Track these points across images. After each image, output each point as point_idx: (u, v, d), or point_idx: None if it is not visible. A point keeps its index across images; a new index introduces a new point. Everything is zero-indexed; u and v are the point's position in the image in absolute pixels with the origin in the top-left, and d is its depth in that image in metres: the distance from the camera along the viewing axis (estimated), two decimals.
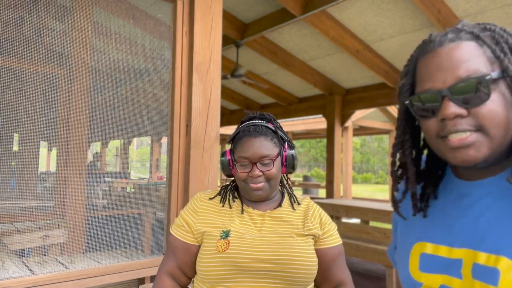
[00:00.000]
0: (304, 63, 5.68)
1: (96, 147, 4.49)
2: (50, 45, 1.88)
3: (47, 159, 2.46)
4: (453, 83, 0.63)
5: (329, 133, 6.26)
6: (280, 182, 1.28)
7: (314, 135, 11.85)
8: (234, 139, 1.22)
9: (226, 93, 7.56)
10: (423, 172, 0.76)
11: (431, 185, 0.76)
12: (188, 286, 1.26)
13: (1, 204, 1.83)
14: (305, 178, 13.59)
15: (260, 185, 1.15)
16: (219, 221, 1.16)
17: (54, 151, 2.00)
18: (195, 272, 1.21)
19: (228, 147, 1.28)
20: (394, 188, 0.78)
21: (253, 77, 6.43)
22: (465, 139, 0.63)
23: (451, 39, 0.65)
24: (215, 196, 1.24)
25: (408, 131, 0.75)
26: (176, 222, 1.23)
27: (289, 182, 1.31)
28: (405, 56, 4.81)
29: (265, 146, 1.15)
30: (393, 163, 0.76)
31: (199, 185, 1.88)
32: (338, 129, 6.24)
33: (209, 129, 1.92)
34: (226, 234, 1.12)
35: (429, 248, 0.73)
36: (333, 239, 1.22)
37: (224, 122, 8.87)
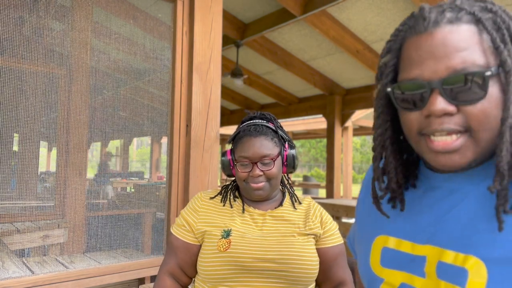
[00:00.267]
0: (304, 63, 5.67)
1: (111, 147, 4.49)
2: (50, 45, 1.88)
3: (47, 159, 2.46)
4: (446, 75, 0.54)
5: (329, 133, 6.26)
6: (281, 181, 1.28)
7: (314, 135, 11.85)
8: (234, 139, 1.22)
9: (226, 93, 7.55)
10: (405, 164, 0.68)
11: (411, 176, 0.68)
12: (189, 286, 1.26)
13: (1, 204, 1.83)
14: (305, 178, 13.58)
15: (260, 184, 1.15)
16: (220, 221, 1.16)
17: (54, 151, 2.00)
18: (196, 272, 1.20)
19: (228, 147, 1.28)
20: (374, 184, 0.69)
21: (253, 77, 6.44)
22: (450, 144, 0.55)
23: (450, 20, 0.55)
24: (215, 196, 1.24)
25: (389, 119, 0.66)
26: (177, 221, 1.23)
27: (290, 181, 1.31)
28: None
29: (266, 146, 1.15)
30: (375, 158, 0.67)
31: (199, 185, 1.88)
32: (338, 129, 6.24)
33: (209, 129, 1.92)
34: (227, 234, 1.12)
35: (391, 242, 0.67)
36: (334, 238, 1.22)
37: (224, 122, 8.87)
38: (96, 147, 3.87)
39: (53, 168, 2.04)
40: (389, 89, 0.61)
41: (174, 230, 1.22)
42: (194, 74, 1.89)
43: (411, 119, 0.59)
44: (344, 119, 6.30)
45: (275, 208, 1.21)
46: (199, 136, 1.89)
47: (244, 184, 1.17)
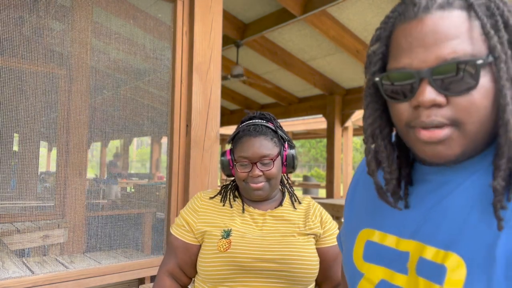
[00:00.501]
0: (304, 63, 5.67)
1: (113, 148, 4.49)
2: (50, 45, 1.88)
3: (47, 159, 2.46)
4: (436, 64, 0.52)
5: (329, 133, 6.26)
6: (280, 181, 1.28)
7: (314, 135, 11.85)
8: (234, 139, 1.22)
9: (226, 93, 7.56)
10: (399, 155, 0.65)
11: (406, 169, 0.65)
12: (189, 286, 1.26)
13: (1, 204, 1.83)
14: (305, 178, 13.58)
15: (260, 185, 1.14)
16: (220, 221, 1.16)
17: (54, 151, 2.00)
18: (195, 272, 1.20)
19: (228, 147, 1.28)
20: (375, 176, 0.64)
21: (253, 77, 6.43)
22: (436, 133, 0.53)
23: (441, 5, 0.53)
24: (215, 196, 1.24)
25: (379, 109, 0.63)
26: (176, 221, 1.22)
27: (289, 181, 1.31)
28: None
29: (265, 146, 1.15)
30: (368, 151, 0.64)
31: (199, 185, 1.88)
32: (338, 129, 6.24)
33: (209, 129, 1.92)
34: (227, 234, 1.12)
35: (376, 236, 0.65)
36: (334, 238, 1.22)
37: (224, 122, 8.87)
38: (96, 147, 3.87)
39: (53, 168, 2.04)
40: (377, 79, 0.58)
41: (173, 230, 1.21)
42: (194, 74, 1.89)
43: (400, 110, 0.57)
44: (344, 119, 6.30)
45: (275, 208, 1.21)
46: (199, 136, 1.89)
47: (244, 184, 1.17)
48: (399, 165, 0.64)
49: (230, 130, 10.54)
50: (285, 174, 1.29)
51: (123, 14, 2.02)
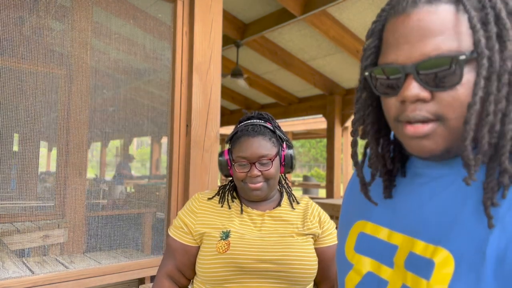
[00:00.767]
0: (304, 63, 5.67)
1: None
2: (50, 45, 1.88)
3: (47, 159, 2.46)
4: (420, 60, 0.52)
5: (329, 133, 6.26)
6: (278, 181, 1.28)
7: (314, 135, 11.84)
8: (232, 139, 1.22)
9: (226, 93, 7.55)
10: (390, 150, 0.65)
11: (399, 162, 0.66)
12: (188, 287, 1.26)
13: (1, 204, 1.83)
14: (305, 178, 13.58)
15: (258, 185, 1.14)
16: (219, 222, 1.16)
17: (54, 151, 2.00)
18: (194, 274, 1.20)
19: (226, 147, 1.27)
20: (360, 170, 0.65)
21: (253, 77, 6.44)
22: (420, 128, 0.53)
23: (428, 0, 0.52)
24: (213, 197, 1.23)
25: (370, 104, 0.63)
26: (174, 223, 1.22)
27: (287, 181, 1.31)
28: None
29: (264, 146, 1.15)
30: (354, 143, 0.64)
31: (199, 185, 1.88)
32: (338, 129, 6.24)
33: (209, 129, 1.92)
34: (226, 235, 1.12)
35: (369, 227, 0.65)
36: (332, 237, 1.22)
37: (224, 122, 8.87)
38: (96, 147, 3.87)
39: (53, 168, 2.04)
40: (366, 73, 0.59)
41: (172, 232, 1.21)
42: (194, 74, 1.89)
43: (389, 105, 0.57)
44: (344, 119, 6.30)
45: (273, 208, 1.21)
46: (199, 136, 1.89)
47: (242, 184, 1.17)
48: (392, 159, 0.65)
49: (230, 130, 10.54)
50: (283, 174, 1.29)
51: (123, 14, 2.03)
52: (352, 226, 0.70)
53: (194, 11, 1.90)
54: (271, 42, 5.30)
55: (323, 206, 4.66)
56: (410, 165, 0.65)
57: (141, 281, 1.90)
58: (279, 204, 1.22)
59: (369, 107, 0.63)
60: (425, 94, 0.52)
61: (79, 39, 1.92)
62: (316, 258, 1.15)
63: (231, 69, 5.36)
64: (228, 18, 4.83)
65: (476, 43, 0.50)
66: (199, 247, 1.17)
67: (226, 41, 5.16)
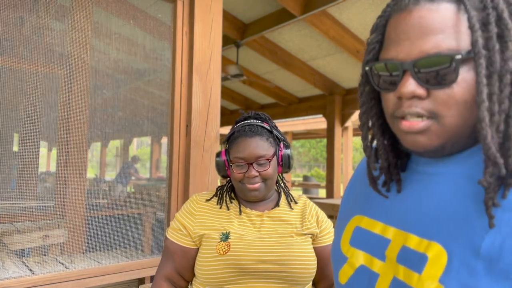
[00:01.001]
0: (304, 63, 5.67)
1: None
2: (50, 45, 1.88)
3: (47, 159, 2.46)
4: (418, 57, 0.52)
5: (329, 133, 6.26)
6: (276, 181, 1.28)
7: (314, 135, 11.85)
8: (229, 139, 1.21)
9: (226, 93, 7.55)
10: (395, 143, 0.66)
11: (399, 158, 0.66)
12: None
13: (1, 204, 1.83)
14: (305, 178, 13.59)
15: (256, 185, 1.14)
16: (218, 223, 1.15)
17: (54, 151, 2.00)
18: (193, 276, 1.19)
19: (223, 147, 1.27)
20: (371, 165, 0.66)
21: (253, 77, 6.43)
22: (414, 124, 0.54)
23: None
24: (211, 198, 1.23)
25: (373, 97, 0.64)
26: (172, 225, 1.21)
27: (285, 181, 1.31)
28: None
29: (261, 146, 1.14)
30: (365, 137, 0.65)
31: (199, 185, 1.88)
32: (338, 129, 6.24)
33: (209, 129, 1.92)
34: (226, 237, 1.11)
35: (365, 222, 0.67)
36: (330, 236, 1.23)
37: (224, 122, 8.87)
38: (96, 147, 3.87)
39: (53, 168, 2.04)
40: (367, 68, 0.60)
41: (169, 235, 1.19)
42: (194, 74, 1.89)
43: (387, 100, 0.58)
44: (344, 119, 6.30)
45: (272, 208, 1.21)
46: (199, 136, 1.89)
47: (240, 185, 1.16)
48: (396, 155, 0.65)
49: None
50: (280, 174, 1.28)
51: (123, 14, 2.03)
52: (349, 220, 0.71)
53: (194, 11, 1.90)
54: (271, 42, 5.30)
55: (323, 206, 4.66)
56: (410, 161, 0.66)
57: (141, 281, 1.90)
58: (277, 204, 1.22)
59: (372, 100, 0.64)
60: (421, 91, 0.53)
61: (79, 39, 1.93)
62: (315, 258, 1.16)
63: (228, 69, 5.36)
64: (228, 18, 4.83)
65: (473, 43, 0.50)
66: (198, 249, 1.16)
67: (226, 41, 5.16)
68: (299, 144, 28.41)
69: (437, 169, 0.60)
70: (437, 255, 0.53)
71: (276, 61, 5.48)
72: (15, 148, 1.87)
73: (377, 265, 0.61)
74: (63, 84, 1.92)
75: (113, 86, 2.16)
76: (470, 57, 0.51)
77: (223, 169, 1.22)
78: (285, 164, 1.21)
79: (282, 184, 1.29)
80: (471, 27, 0.50)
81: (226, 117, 8.86)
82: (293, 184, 12.50)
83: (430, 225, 0.56)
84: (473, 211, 0.53)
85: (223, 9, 2.00)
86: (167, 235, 1.20)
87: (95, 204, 2.10)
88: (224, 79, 5.25)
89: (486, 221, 0.51)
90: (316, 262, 1.15)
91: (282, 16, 4.45)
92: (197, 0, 1.91)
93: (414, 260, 0.55)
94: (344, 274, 0.67)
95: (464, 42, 0.51)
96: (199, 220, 1.17)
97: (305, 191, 12.15)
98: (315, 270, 1.15)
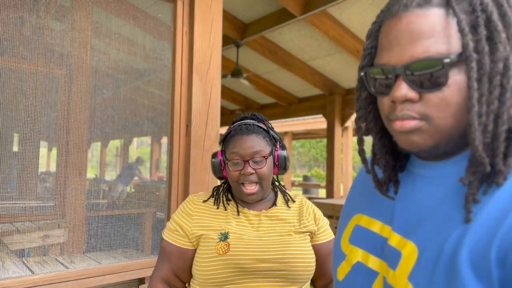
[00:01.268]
0: (304, 63, 5.67)
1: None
2: (50, 45, 1.88)
3: (47, 159, 2.46)
4: (409, 62, 0.54)
5: (329, 133, 6.26)
6: (272, 182, 1.28)
7: (314, 135, 11.85)
8: (225, 139, 1.21)
9: (226, 93, 7.55)
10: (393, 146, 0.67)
11: (402, 158, 0.68)
12: None
13: (1, 204, 1.83)
14: (305, 178, 13.58)
15: (254, 190, 1.13)
16: (216, 224, 1.15)
17: (54, 151, 2.00)
18: (190, 277, 1.19)
19: (219, 148, 1.27)
20: (371, 167, 0.68)
21: (253, 77, 6.44)
22: (406, 123, 0.55)
23: (419, 3, 0.54)
24: (208, 199, 1.22)
25: (371, 101, 0.65)
26: (169, 226, 1.20)
27: (280, 182, 1.31)
28: None
29: (258, 143, 1.14)
30: (360, 141, 0.67)
31: (199, 185, 1.88)
32: (338, 129, 6.24)
33: (209, 129, 1.92)
34: (224, 236, 1.11)
35: (364, 220, 0.69)
36: (327, 234, 1.24)
37: (224, 122, 8.87)
38: (96, 147, 3.87)
39: (53, 168, 2.04)
40: (362, 73, 0.61)
41: (166, 236, 1.18)
42: (194, 74, 1.89)
43: (383, 104, 0.60)
44: (344, 119, 6.30)
45: (269, 208, 1.21)
46: (199, 136, 1.89)
47: (236, 185, 1.16)
48: (395, 157, 0.67)
49: None
50: (276, 176, 1.28)
51: (123, 14, 2.03)
52: (350, 219, 0.73)
53: (194, 11, 1.90)
54: (271, 42, 5.30)
55: (323, 206, 4.66)
56: (409, 162, 0.68)
57: (141, 281, 1.90)
58: (274, 204, 1.22)
59: (370, 104, 0.66)
60: (413, 94, 0.54)
61: (79, 39, 1.92)
62: (314, 255, 1.16)
63: (231, 69, 5.37)
64: (228, 18, 4.83)
65: (464, 46, 0.51)
66: (195, 250, 1.16)
67: (226, 41, 5.15)
68: (299, 144, 28.41)
69: (429, 171, 0.61)
70: (410, 253, 0.56)
71: (276, 61, 5.48)
72: (15, 148, 1.87)
73: (373, 262, 0.63)
74: (63, 84, 1.92)
75: (113, 86, 2.16)
76: (461, 60, 0.52)
77: (219, 170, 1.21)
78: (281, 165, 1.20)
79: (276, 183, 1.29)
80: (461, 31, 0.51)
81: (226, 117, 8.86)
82: (293, 184, 12.50)
83: (412, 225, 0.58)
84: (448, 210, 0.55)
85: (223, 9, 2.00)
86: (164, 236, 1.19)
87: (95, 204, 2.10)
88: (223, 77, 5.24)
89: (462, 218, 0.53)
90: (314, 259, 1.16)
91: (282, 16, 4.45)
92: (197, 0, 1.91)
93: (393, 258, 0.58)
94: (342, 271, 0.69)
95: (454, 45, 0.52)
96: (196, 220, 1.16)
97: (305, 191, 12.15)
98: (314, 267, 1.15)
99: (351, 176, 7.87)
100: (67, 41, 1.91)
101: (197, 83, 1.90)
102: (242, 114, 1.25)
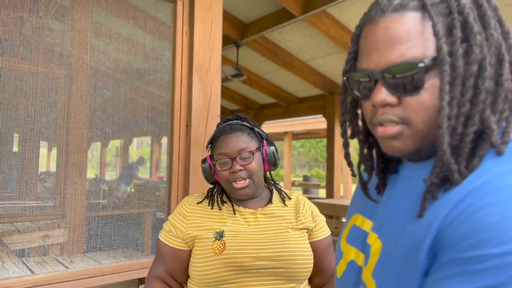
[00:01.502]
0: (304, 63, 5.67)
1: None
2: (50, 45, 1.88)
3: (47, 159, 2.46)
4: (386, 67, 0.54)
5: (329, 133, 6.26)
6: (266, 180, 1.28)
7: (314, 135, 11.84)
8: (211, 143, 1.22)
9: (226, 93, 7.55)
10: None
11: (393, 160, 0.69)
12: None
13: (1, 204, 1.83)
14: (305, 178, 13.58)
15: (243, 183, 1.13)
16: (211, 224, 1.15)
17: (54, 151, 2.00)
18: (186, 278, 1.19)
19: (208, 153, 1.28)
20: (359, 170, 0.70)
21: (253, 77, 6.44)
22: (387, 130, 0.56)
23: (395, 8, 0.54)
24: (203, 200, 1.22)
25: (355, 105, 0.67)
26: (165, 228, 1.20)
27: (273, 179, 1.32)
28: None
29: (242, 140, 1.15)
30: (345, 144, 0.68)
31: (199, 185, 1.88)
32: (338, 129, 6.24)
33: (209, 129, 1.92)
34: (220, 235, 1.11)
35: (359, 220, 0.71)
36: (324, 230, 1.24)
37: None
38: (96, 147, 3.87)
39: (53, 168, 2.04)
40: (344, 78, 0.62)
41: (162, 237, 1.19)
42: (194, 74, 1.89)
43: (365, 108, 0.60)
44: None
45: (265, 205, 1.21)
46: (199, 136, 1.89)
47: (228, 185, 1.16)
48: (385, 159, 0.69)
49: None
50: (269, 172, 1.29)
51: (123, 14, 2.02)
52: (350, 219, 0.76)
53: (194, 11, 1.90)
54: (271, 42, 5.30)
55: (323, 206, 4.66)
56: (400, 164, 0.69)
57: (141, 281, 1.90)
58: (270, 201, 1.22)
59: (355, 109, 0.67)
60: (392, 99, 0.55)
61: (79, 39, 1.92)
62: (311, 252, 1.16)
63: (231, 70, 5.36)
64: (228, 18, 4.83)
65: (438, 50, 0.51)
66: (190, 251, 1.16)
67: (226, 41, 5.15)
68: (299, 144, 28.40)
69: (409, 172, 0.63)
70: (376, 248, 0.59)
71: (276, 61, 5.47)
72: (15, 148, 1.87)
73: (361, 260, 0.66)
74: (63, 84, 1.92)
75: (113, 86, 2.16)
76: (435, 64, 0.52)
77: (210, 175, 1.22)
78: (271, 161, 1.21)
79: (271, 181, 1.29)
80: (435, 34, 0.51)
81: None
82: (293, 184, 12.49)
83: (385, 224, 0.61)
84: (407, 207, 0.57)
85: (223, 9, 2.00)
86: (159, 237, 1.20)
87: (95, 204, 2.10)
88: (224, 79, 5.24)
89: (412, 216, 0.55)
90: (312, 256, 1.16)
91: (282, 16, 4.45)
92: (197, 0, 1.91)
93: (366, 253, 0.63)
94: (340, 269, 0.72)
95: (430, 49, 0.52)
96: (191, 221, 1.16)
97: (305, 191, 12.15)
98: (312, 264, 1.15)
99: (351, 176, 7.85)
100: (67, 41, 1.91)
101: (197, 83, 1.90)
102: (226, 117, 1.27)
